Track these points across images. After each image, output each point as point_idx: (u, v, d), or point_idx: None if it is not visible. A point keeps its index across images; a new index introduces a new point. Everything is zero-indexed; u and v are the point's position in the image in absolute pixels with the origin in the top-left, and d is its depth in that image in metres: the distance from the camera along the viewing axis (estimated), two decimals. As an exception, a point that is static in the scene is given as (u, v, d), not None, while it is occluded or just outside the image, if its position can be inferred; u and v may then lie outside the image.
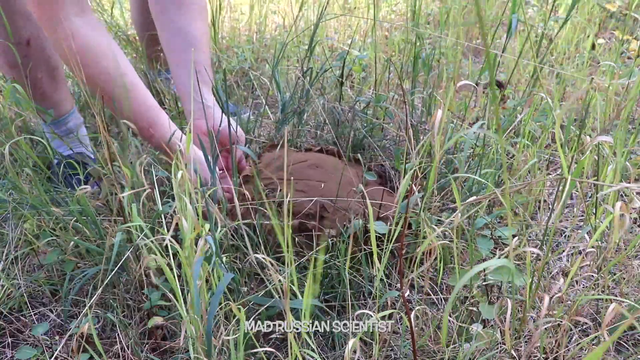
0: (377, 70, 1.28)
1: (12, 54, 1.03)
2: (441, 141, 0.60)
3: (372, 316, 0.64)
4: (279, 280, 0.56)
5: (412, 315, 0.63)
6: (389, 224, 0.87)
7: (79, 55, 0.83)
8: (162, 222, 0.88)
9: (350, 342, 0.50)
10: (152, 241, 0.59)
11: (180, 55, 1.00)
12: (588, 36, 1.53)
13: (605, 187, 0.70)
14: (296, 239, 0.87)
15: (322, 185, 0.92)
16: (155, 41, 1.33)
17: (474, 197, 0.63)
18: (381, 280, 0.87)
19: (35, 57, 1.07)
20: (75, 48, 0.83)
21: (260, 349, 0.58)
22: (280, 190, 0.93)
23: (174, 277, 0.61)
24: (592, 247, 0.70)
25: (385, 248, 0.72)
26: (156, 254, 0.60)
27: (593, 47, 1.71)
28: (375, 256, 0.64)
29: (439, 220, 0.94)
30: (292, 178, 0.95)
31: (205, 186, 0.80)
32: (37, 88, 1.09)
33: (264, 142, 1.21)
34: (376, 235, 0.84)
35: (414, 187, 0.70)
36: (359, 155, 1.09)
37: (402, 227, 0.64)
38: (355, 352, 0.63)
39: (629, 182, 0.96)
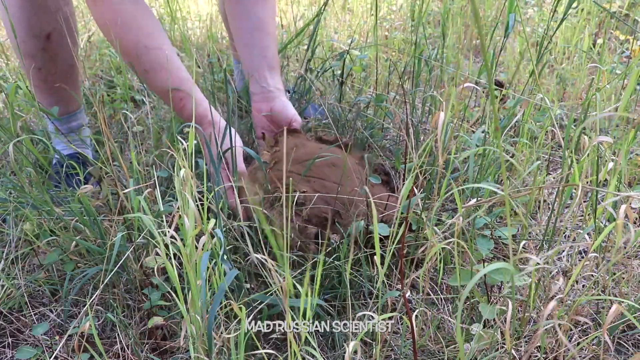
0: (377, 70, 1.28)
1: (31, 45, 1.05)
2: (443, 143, 0.60)
3: (373, 317, 0.64)
4: (280, 280, 0.56)
5: (413, 316, 0.63)
6: (390, 225, 0.87)
7: (116, 27, 0.86)
8: (162, 223, 0.88)
9: (351, 344, 0.50)
10: (160, 234, 0.59)
11: (246, 39, 1.06)
12: (589, 35, 1.53)
13: (609, 194, 0.70)
14: (300, 242, 0.86)
15: (339, 188, 0.91)
16: None
17: (474, 201, 0.63)
18: (382, 279, 0.87)
19: (52, 52, 1.08)
20: (113, 19, 0.86)
21: (261, 350, 0.58)
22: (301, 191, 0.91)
23: (176, 276, 0.61)
24: (594, 250, 0.70)
25: (388, 250, 0.72)
26: (161, 249, 0.60)
27: (593, 46, 1.71)
28: (378, 258, 0.64)
29: (439, 220, 0.94)
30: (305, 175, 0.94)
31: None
32: (48, 82, 1.10)
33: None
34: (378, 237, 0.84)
35: (415, 189, 0.70)
36: (364, 155, 1.08)
37: (403, 229, 0.64)
38: (356, 352, 0.63)
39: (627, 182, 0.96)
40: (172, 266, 0.61)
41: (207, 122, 0.95)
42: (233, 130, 0.92)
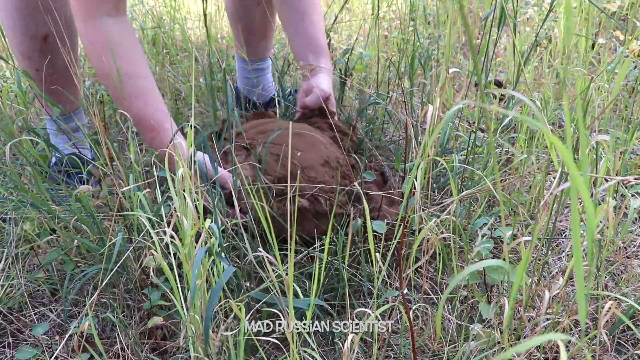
0: (378, 69, 1.28)
1: (28, 46, 1.05)
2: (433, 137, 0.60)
3: (371, 315, 0.64)
4: (277, 276, 0.56)
5: (411, 313, 0.63)
6: (386, 222, 0.87)
7: (101, 50, 0.87)
8: (160, 224, 0.88)
9: (349, 339, 0.50)
10: (156, 233, 0.59)
11: (291, 27, 1.14)
12: (587, 38, 1.52)
13: (600, 179, 0.70)
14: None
15: (299, 153, 0.92)
16: (248, 31, 1.37)
17: (469, 191, 0.63)
18: (382, 280, 0.87)
19: (49, 53, 1.08)
20: (99, 43, 0.87)
21: (263, 339, 0.58)
22: (257, 153, 0.93)
23: (175, 276, 0.61)
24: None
25: (388, 247, 0.72)
26: (157, 250, 0.60)
27: (593, 47, 1.71)
28: (373, 254, 0.64)
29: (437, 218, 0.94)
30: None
31: (210, 183, 0.82)
32: (46, 83, 1.11)
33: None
34: (375, 234, 0.84)
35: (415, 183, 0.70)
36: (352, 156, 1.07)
37: (401, 226, 0.64)
38: (354, 351, 0.63)
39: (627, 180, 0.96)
40: (173, 265, 0.61)
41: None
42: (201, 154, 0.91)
